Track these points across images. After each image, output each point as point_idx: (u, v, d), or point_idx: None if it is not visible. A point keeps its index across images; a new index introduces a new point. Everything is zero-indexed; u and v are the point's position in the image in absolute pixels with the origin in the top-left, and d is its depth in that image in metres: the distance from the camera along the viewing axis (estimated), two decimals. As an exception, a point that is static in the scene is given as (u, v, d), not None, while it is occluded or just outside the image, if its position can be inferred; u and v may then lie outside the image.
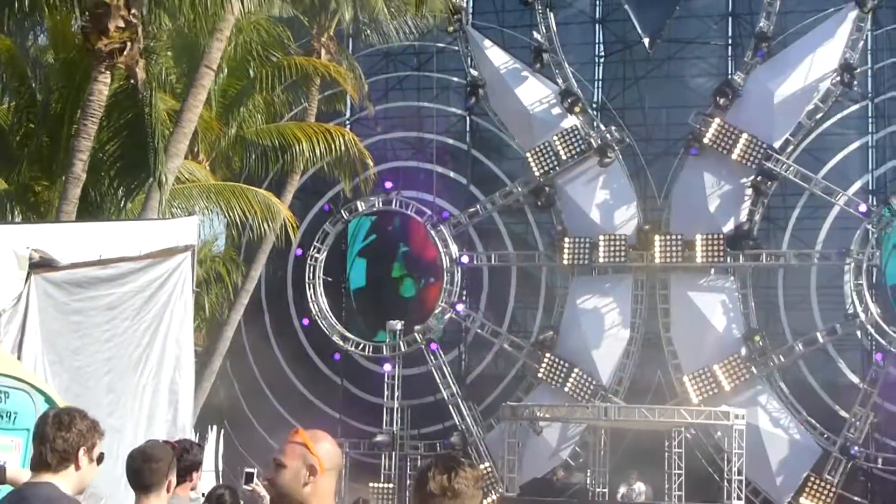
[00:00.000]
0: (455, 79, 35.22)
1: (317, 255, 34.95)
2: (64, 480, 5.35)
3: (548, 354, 32.30)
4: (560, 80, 33.12)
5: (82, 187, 16.59)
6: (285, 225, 23.66)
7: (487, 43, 34.14)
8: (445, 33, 34.03)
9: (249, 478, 9.01)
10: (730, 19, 33.99)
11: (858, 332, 31.45)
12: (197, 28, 22.43)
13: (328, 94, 30.08)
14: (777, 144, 31.67)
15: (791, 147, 31.93)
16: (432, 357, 33.73)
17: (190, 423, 11.09)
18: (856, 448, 30.43)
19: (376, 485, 32.23)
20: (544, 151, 32.78)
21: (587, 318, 32.32)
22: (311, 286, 34.89)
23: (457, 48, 34.46)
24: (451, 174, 35.34)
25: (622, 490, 29.93)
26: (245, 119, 26.33)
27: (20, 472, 6.09)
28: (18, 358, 8.65)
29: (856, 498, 31.12)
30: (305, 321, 35.38)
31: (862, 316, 30.80)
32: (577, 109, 32.66)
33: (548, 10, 33.43)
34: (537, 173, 32.92)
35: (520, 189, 33.85)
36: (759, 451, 29.90)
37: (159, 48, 23.19)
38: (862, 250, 31.14)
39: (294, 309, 35.78)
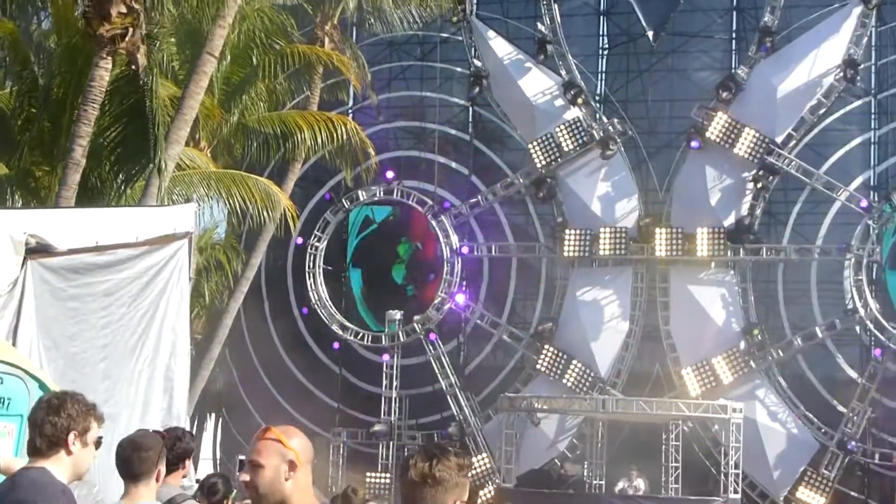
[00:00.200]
0: (458, 69, 35.20)
1: (317, 244, 34.95)
2: (56, 466, 5.30)
3: (547, 346, 32.33)
4: (563, 72, 33.09)
5: (82, 173, 16.57)
6: (285, 214, 23.63)
7: (491, 33, 34.11)
8: (449, 23, 34.00)
9: (244, 466, 8.99)
10: (734, 13, 33.99)
11: (857, 328, 31.49)
12: (200, 14, 22.45)
13: (331, 82, 30.06)
14: (779, 139, 31.64)
15: (793, 142, 31.90)
16: (431, 347, 33.76)
17: (185, 410, 11.09)
18: (853, 443, 30.45)
19: (374, 474, 32.24)
20: (546, 143, 32.76)
21: (587, 311, 32.34)
22: (311, 275, 34.89)
23: (460, 38, 34.44)
24: (453, 164, 35.35)
25: (622, 485, 29.92)
26: (247, 107, 26.29)
27: (12, 460, 6.09)
28: (13, 344, 8.64)
29: (852, 493, 31.16)
30: (305, 310, 35.40)
31: (861, 311, 30.81)
32: (579, 101, 32.66)
33: (552, 1, 33.37)
34: (539, 165, 32.90)
35: (521, 180, 33.84)
36: (756, 444, 29.93)
37: (163, 35, 23.13)
38: (862, 246, 31.15)
39: (294, 297, 35.79)
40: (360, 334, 34.40)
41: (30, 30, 23.46)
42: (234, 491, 9.19)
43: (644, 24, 33.67)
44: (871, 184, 32.55)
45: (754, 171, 31.46)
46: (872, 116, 32.85)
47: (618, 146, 32.52)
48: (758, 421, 30.47)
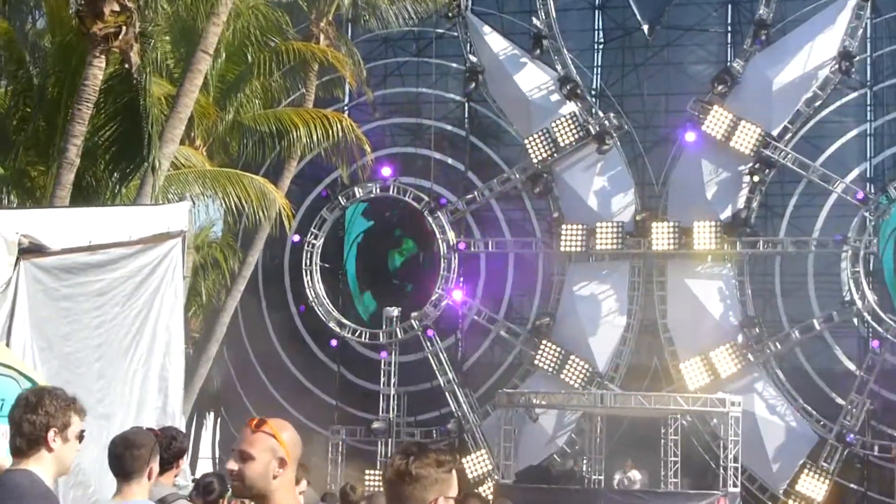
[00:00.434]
0: (454, 65, 35.15)
1: (314, 242, 34.93)
2: (39, 465, 5.22)
3: (544, 341, 32.31)
4: (559, 67, 33.06)
5: (77, 172, 16.51)
6: (280, 213, 23.59)
7: (486, 29, 34.07)
8: (445, 19, 33.97)
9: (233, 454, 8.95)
10: (729, 6, 33.96)
11: (855, 320, 31.50)
12: (194, 12, 22.43)
13: (326, 79, 30.03)
14: (775, 132, 31.63)
15: (789, 134, 31.90)
16: (429, 344, 33.75)
17: (179, 409, 11.05)
18: (852, 435, 30.47)
19: (372, 472, 32.21)
20: (542, 138, 32.74)
21: (584, 305, 32.34)
22: (308, 272, 34.88)
23: (456, 34, 34.39)
24: (449, 160, 35.31)
25: (617, 477, 29.96)
26: (242, 104, 26.26)
27: (4, 461, 6.05)
28: (7, 344, 8.58)
29: (852, 485, 31.18)
30: (302, 307, 35.36)
31: (859, 303, 30.82)
32: (575, 96, 32.62)
33: (547, -4, 33.37)
34: (535, 160, 32.88)
35: (517, 176, 33.82)
36: (755, 438, 29.93)
37: (157, 33, 23.04)
38: (859, 238, 31.15)
39: (291, 295, 35.75)
40: (358, 331, 34.38)
41: (25, 29, 23.43)
42: (230, 490, 9.16)
43: (639, 17, 33.66)
44: (868, 175, 32.53)
45: (750, 164, 31.46)
46: (868, 108, 32.83)
47: (614, 140, 32.52)
48: (756, 414, 30.48)
